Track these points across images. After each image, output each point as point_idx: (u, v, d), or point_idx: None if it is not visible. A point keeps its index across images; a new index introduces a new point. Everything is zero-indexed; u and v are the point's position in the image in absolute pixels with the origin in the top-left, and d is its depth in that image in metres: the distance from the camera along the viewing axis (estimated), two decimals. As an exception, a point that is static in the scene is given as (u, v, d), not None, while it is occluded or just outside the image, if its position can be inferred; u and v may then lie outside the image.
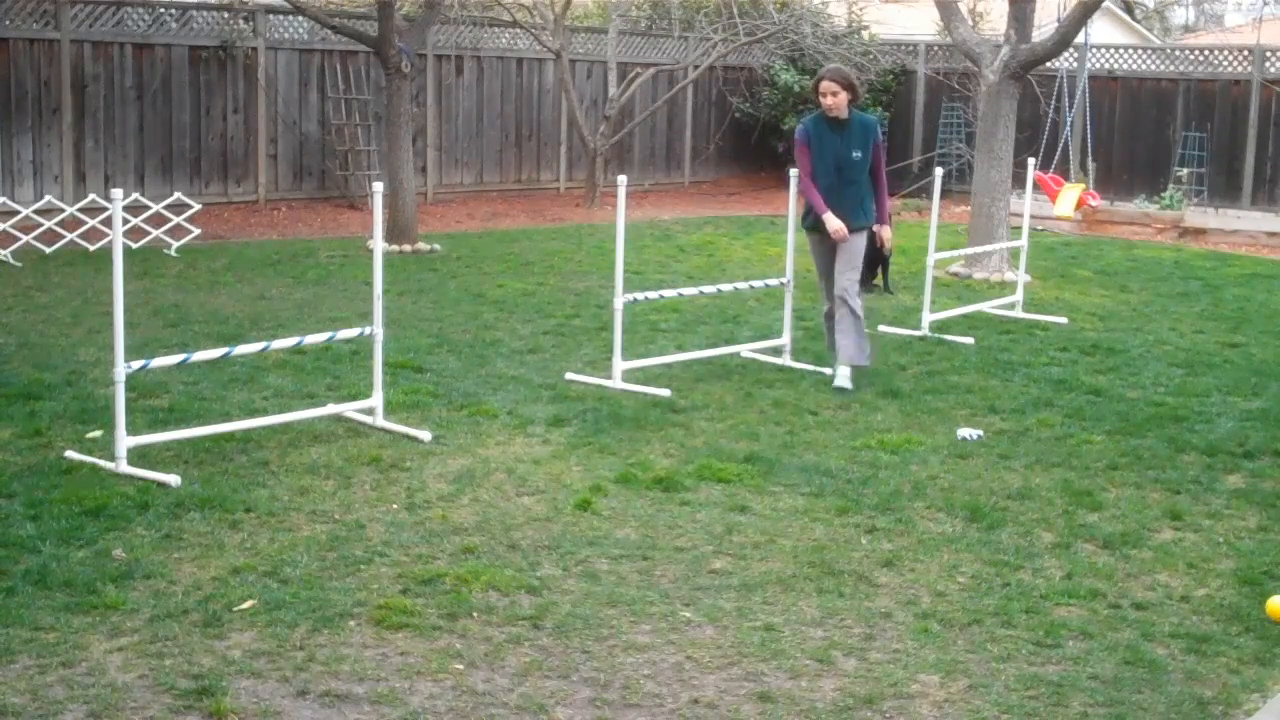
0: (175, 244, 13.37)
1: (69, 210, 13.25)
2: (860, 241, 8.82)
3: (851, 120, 8.69)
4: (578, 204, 18.82)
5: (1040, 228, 16.78)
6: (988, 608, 5.22)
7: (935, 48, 21.59)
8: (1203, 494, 6.71)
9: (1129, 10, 33.45)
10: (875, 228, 8.91)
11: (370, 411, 7.36)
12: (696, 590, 5.32)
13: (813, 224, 8.83)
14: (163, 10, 15.95)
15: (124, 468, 6.37)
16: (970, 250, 13.11)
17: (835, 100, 8.60)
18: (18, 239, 12.77)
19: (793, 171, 9.64)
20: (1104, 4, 21.91)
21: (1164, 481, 6.89)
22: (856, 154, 8.64)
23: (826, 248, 8.81)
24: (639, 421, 7.64)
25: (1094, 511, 6.40)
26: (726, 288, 10.43)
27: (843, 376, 8.62)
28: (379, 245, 7.42)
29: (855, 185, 8.71)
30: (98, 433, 6.96)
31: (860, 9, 23.00)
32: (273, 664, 4.52)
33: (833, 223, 8.61)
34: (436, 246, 14.17)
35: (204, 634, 4.72)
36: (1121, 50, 20.43)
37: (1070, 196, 16.48)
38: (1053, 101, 18.67)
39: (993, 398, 8.48)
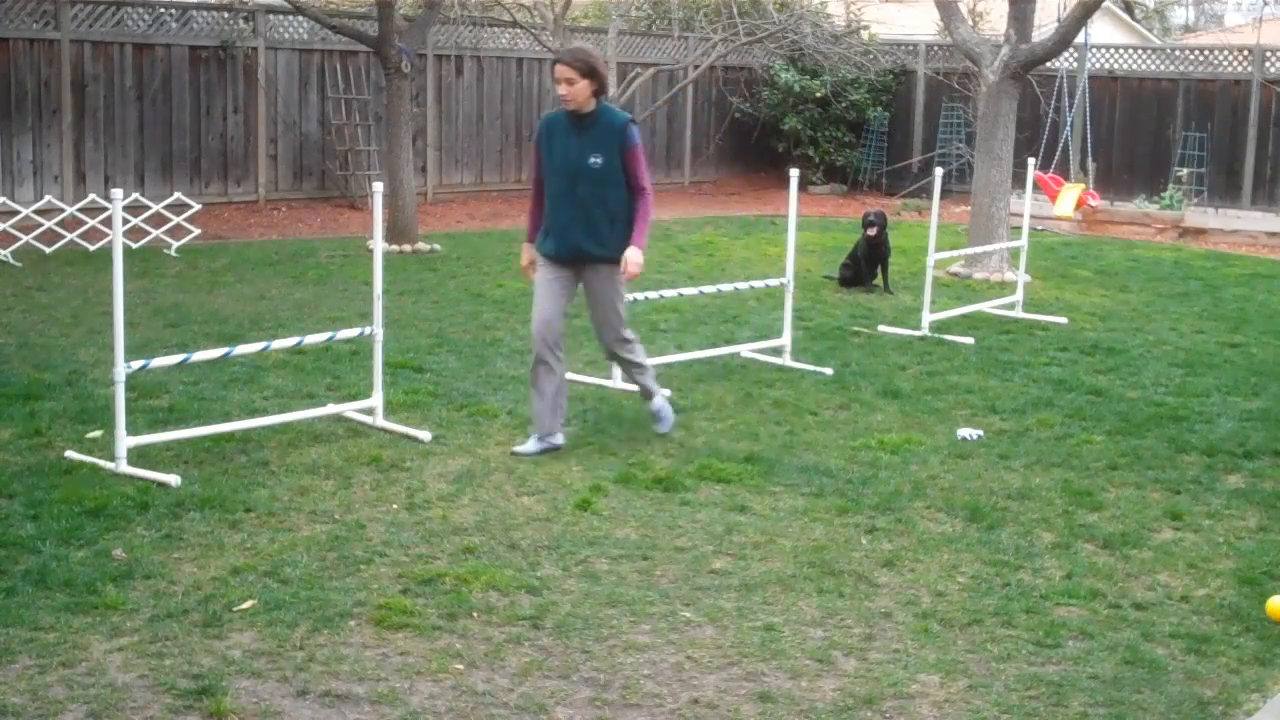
0: (175, 244, 13.36)
1: (69, 210, 13.24)
2: (607, 280, 7.01)
3: (596, 118, 6.93)
4: (578, 204, 18.79)
5: (1040, 228, 16.78)
6: (988, 608, 5.22)
7: (935, 48, 21.59)
8: (1203, 494, 6.71)
9: (1129, 10, 33.46)
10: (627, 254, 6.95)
11: (370, 411, 7.36)
12: (696, 590, 5.32)
13: (542, 244, 7.06)
14: (163, 10, 15.95)
15: (124, 468, 6.37)
16: (970, 250, 13.11)
17: (570, 91, 6.85)
18: (18, 239, 12.77)
19: (793, 172, 9.66)
20: (1104, 4, 21.90)
21: (1164, 481, 6.89)
22: (594, 160, 6.83)
23: (562, 283, 7.00)
24: (639, 421, 7.64)
25: (1094, 511, 6.40)
26: (726, 288, 10.43)
27: (664, 417, 7.43)
28: (379, 245, 7.42)
29: (593, 202, 6.87)
30: (98, 433, 6.96)
31: (860, 9, 23.00)
32: (273, 664, 4.52)
33: (524, 256, 7.16)
34: (436, 246, 14.17)
35: (204, 634, 4.72)
36: (1121, 50, 20.43)
37: (1070, 196, 16.48)
38: (1053, 101, 18.67)
39: (993, 398, 8.48)
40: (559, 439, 7.04)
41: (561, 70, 6.85)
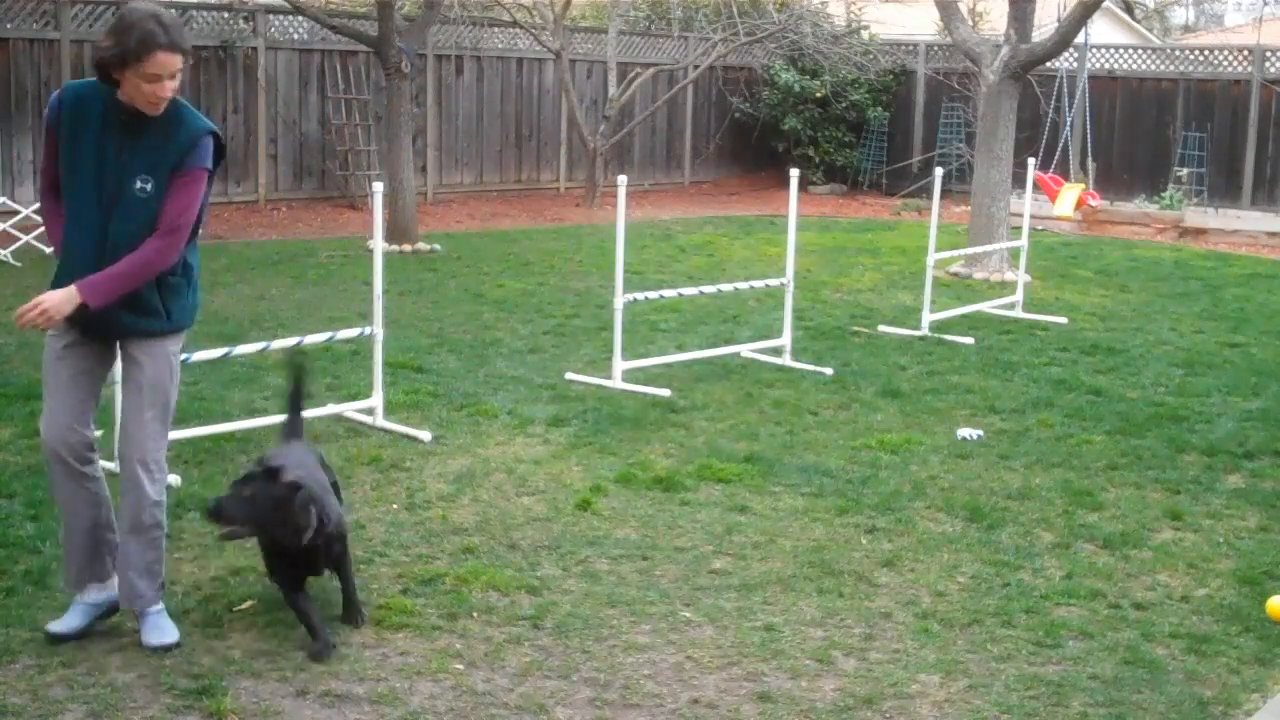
0: (175, 244, 13.35)
1: (69, 210, 13.23)
2: (164, 362, 4.73)
3: (168, 116, 4.63)
4: (578, 204, 18.81)
5: (1040, 228, 16.78)
6: (988, 608, 5.22)
7: (935, 48, 21.59)
8: (1203, 494, 6.71)
9: (1129, 10, 33.46)
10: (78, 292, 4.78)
11: (370, 411, 7.36)
12: (696, 590, 5.32)
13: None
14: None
15: (124, 468, 6.35)
16: (970, 250, 13.12)
17: (172, 87, 4.52)
18: (18, 239, 12.78)
19: (793, 171, 9.63)
20: (1104, 4, 21.90)
21: (1164, 481, 6.89)
22: (142, 184, 4.57)
23: (88, 355, 4.97)
24: (639, 421, 7.64)
25: (1094, 511, 6.40)
26: (726, 288, 10.42)
27: (156, 630, 4.59)
28: (379, 245, 7.42)
29: (128, 245, 4.58)
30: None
31: (860, 9, 23.01)
32: (273, 664, 4.52)
33: (60, 307, 4.89)
34: (436, 246, 14.17)
35: (204, 634, 4.72)
36: (1121, 50, 20.43)
37: (1070, 196, 16.48)
38: (1053, 101, 18.67)
39: (993, 398, 8.48)
40: (109, 591, 4.71)
41: (173, 61, 4.44)
